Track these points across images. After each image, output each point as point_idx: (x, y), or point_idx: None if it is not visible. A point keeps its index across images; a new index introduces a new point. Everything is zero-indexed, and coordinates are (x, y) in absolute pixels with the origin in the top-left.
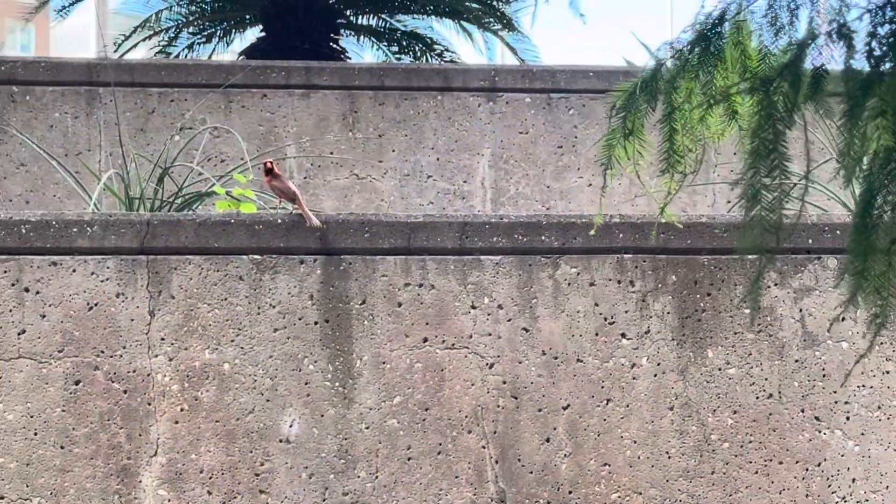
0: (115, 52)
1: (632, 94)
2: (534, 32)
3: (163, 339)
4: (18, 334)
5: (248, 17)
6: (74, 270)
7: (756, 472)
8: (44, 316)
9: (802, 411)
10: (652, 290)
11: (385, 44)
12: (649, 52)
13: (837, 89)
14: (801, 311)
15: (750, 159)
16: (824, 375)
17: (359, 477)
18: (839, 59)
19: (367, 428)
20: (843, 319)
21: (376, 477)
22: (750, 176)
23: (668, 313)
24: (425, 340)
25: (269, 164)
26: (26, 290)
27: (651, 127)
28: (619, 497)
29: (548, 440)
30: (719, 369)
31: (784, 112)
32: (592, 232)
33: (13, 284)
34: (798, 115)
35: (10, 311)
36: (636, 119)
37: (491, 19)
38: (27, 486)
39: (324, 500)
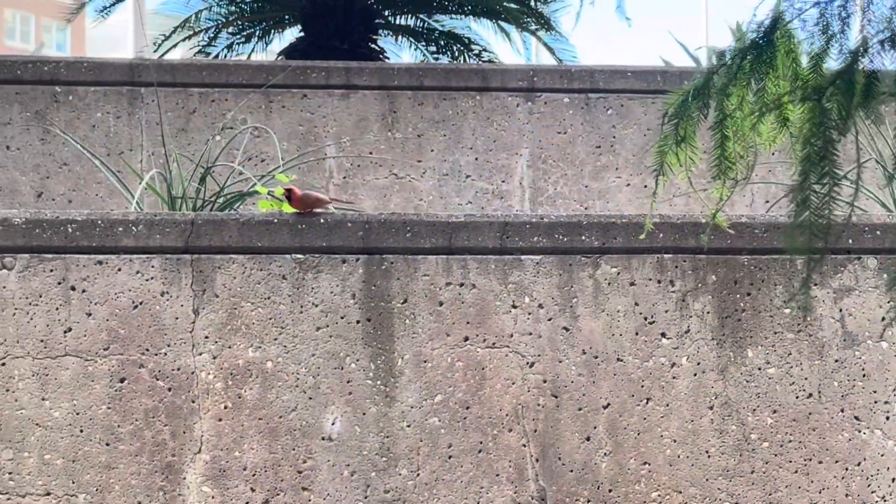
0: (155, 52)
1: (684, 102)
2: (571, 32)
3: (206, 337)
4: (65, 332)
5: (287, 17)
6: (120, 269)
7: (796, 472)
8: (90, 314)
9: (842, 411)
10: (692, 289)
11: (423, 44)
12: (687, 51)
13: (891, 90)
14: (840, 311)
15: (801, 166)
16: (864, 375)
17: (400, 475)
18: (891, 67)
19: (408, 426)
20: (885, 320)
21: (418, 475)
22: (801, 182)
23: (708, 313)
24: (466, 339)
25: (287, 193)
26: (73, 288)
27: (699, 132)
28: (659, 496)
29: (588, 439)
30: (759, 369)
31: (838, 120)
32: (643, 236)
33: (59, 283)
34: (851, 122)
35: (57, 309)
36: (688, 126)
37: (529, 19)
38: (73, 483)
39: (365, 498)
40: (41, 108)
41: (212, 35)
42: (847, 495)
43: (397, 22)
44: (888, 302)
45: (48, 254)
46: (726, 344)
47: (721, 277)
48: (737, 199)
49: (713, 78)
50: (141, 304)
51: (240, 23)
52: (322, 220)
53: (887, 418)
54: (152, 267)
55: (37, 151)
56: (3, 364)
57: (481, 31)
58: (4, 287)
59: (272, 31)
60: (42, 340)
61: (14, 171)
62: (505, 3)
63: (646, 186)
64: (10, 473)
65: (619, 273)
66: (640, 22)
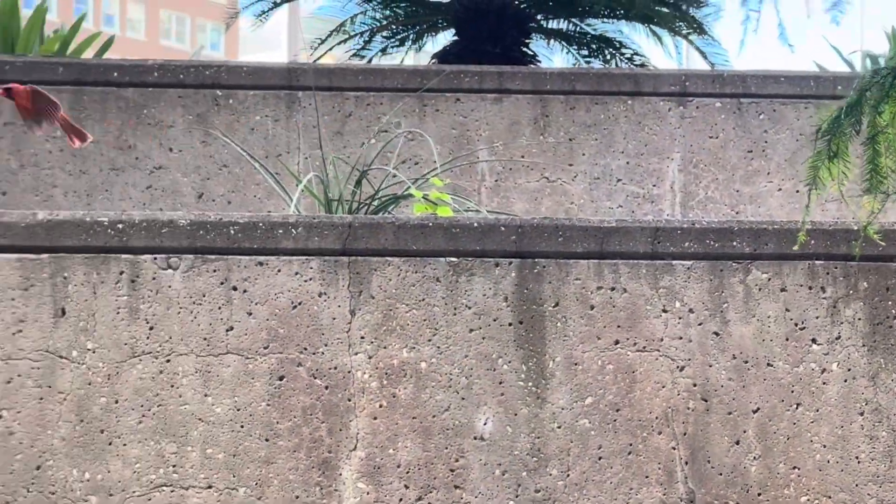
0: (311, 55)
1: (836, 119)
2: (720, 35)
3: (363, 337)
4: (227, 331)
5: (440, 21)
6: (280, 270)
7: None
8: (250, 314)
9: None
10: (843, 296)
11: (575, 47)
12: (841, 56)
13: None
14: None
15: None
16: None
17: (550, 475)
18: None
19: (558, 427)
20: None
21: (568, 475)
22: None
23: (860, 319)
24: (617, 343)
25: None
26: (234, 288)
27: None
28: (808, 500)
29: (737, 443)
30: None
31: None
32: (796, 247)
33: (222, 283)
34: None
35: (219, 308)
36: (841, 142)
37: (681, 23)
38: (234, 476)
39: (516, 497)
40: (202, 112)
41: (366, 39)
42: None
43: (549, 26)
44: None
45: (211, 254)
46: (877, 350)
47: (872, 284)
48: (889, 206)
49: (865, 94)
50: (300, 304)
51: (394, 27)
52: (475, 224)
53: None
54: (311, 268)
55: (198, 153)
56: (168, 361)
57: (633, 34)
58: (170, 286)
59: (425, 34)
60: (205, 338)
61: (176, 172)
62: (657, 8)
63: (797, 191)
64: (173, 466)
65: (769, 279)
66: (791, 25)
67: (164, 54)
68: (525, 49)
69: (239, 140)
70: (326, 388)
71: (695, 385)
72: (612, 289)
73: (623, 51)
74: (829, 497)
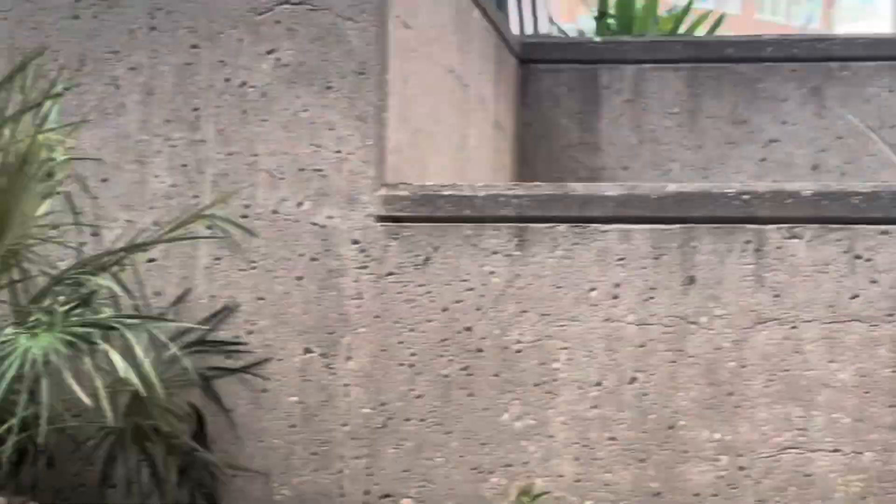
0: None
1: None
2: None
3: None
4: (850, 298)
5: None
6: None
7: None
8: (874, 282)
9: None
10: None
11: None
12: None
13: None
14: None
15: None
16: None
17: None
18: None
19: None
20: None
21: None
22: None
23: None
24: None
25: None
26: (857, 257)
27: None
28: None
29: None
30: None
31: None
32: None
33: (845, 252)
34: None
35: (843, 277)
36: None
37: None
38: (859, 441)
39: None
40: (816, 85)
41: None
42: None
43: None
44: None
45: (834, 224)
46: None
47: None
48: None
49: None
50: None
51: None
52: None
53: None
54: None
55: (812, 126)
56: (794, 328)
57: None
58: (794, 255)
59: None
60: (829, 306)
61: (790, 144)
62: None
63: None
64: (799, 430)
65: None
66: None
67: (758, 28)
68: None
69: (853, 112)
70: None
71: None
72: None
73: None
74: None
